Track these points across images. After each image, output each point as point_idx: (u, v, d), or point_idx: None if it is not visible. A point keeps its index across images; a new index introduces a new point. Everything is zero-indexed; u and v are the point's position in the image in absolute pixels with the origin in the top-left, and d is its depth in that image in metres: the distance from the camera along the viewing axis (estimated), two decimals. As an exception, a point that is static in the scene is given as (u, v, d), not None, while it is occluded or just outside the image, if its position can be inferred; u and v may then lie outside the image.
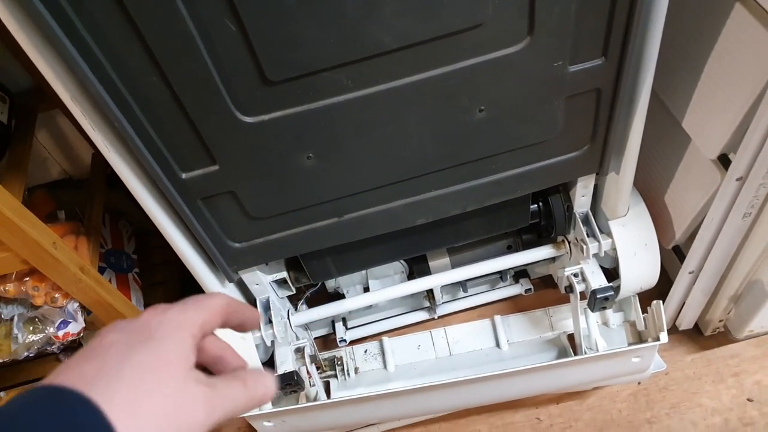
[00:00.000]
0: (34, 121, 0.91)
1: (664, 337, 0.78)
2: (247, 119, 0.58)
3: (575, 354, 0.93)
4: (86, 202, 0.95)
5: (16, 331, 0.86)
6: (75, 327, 0.89)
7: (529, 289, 1.06)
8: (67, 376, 0.23)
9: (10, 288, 0.81)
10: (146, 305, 1.04)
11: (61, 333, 0.88)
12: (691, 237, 0.84)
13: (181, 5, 0.48)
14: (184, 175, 0.63)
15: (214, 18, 0.49)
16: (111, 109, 0.54)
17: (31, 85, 0.93)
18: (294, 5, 0.49)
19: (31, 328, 0.87)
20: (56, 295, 0.83)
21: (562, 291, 0.91)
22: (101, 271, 0.95)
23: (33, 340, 0.89)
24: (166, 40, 0.50)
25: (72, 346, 1.01)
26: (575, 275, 0.87)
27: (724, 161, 0.76)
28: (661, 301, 0.81)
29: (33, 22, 0.47)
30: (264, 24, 0.50)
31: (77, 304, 0.87)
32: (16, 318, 0.88)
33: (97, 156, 1.01)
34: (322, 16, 0.51)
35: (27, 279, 0.81)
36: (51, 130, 1.00)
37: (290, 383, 0.83)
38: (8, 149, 0.86)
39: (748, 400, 0.93)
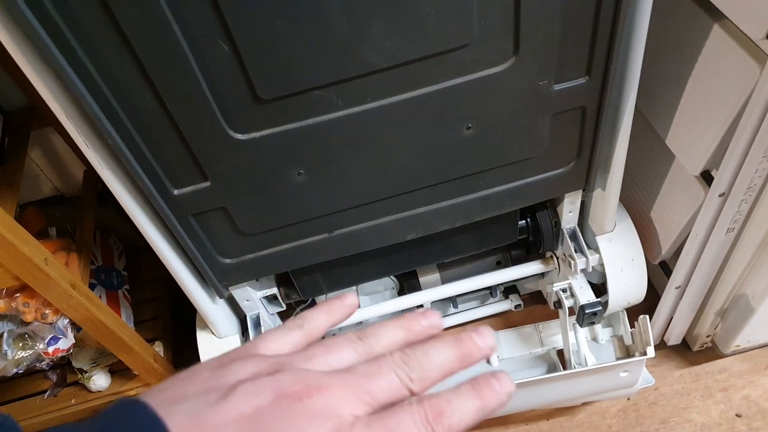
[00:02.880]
0: (27, 139, 0.91)
1: (651, 351, 0.79)
2: (239, 136, 0.59)
3: (564, 369, 0.93)
4: (77, 218, 0.95)
5: (5, 347, 0.86)
6: (65, 343, 0.88)
7: (519, 305, 1.07)
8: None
9: (1, 304, 0.81)
10: (136, 322, 1.04)
11: (50, 349, 0.88)
12: (677, 252, 0.85)
13: (175, 25, 0.49)
14: (176, 192, 0.63)
15: (207, 38, 0.50)
16: (105, 127, 0.54)
17: (24, 103, 0.94)
18: (285, 26, 0.51)
19: (20, 344, 0.87)
20: (46, 312, 0.83)
21: (551, 306, 0.92)
22: (92, 287, 0.95)
23: (22, 357, 0.88)
24: (160, 60, 0.51)
25: (61, 363, 1.01)
26: (564, 290, 0.88)
27: (707, 177, 0.78)
28: (647, 316, 0.82)
29: (30, 42, 0.48)
30: (256, 44, 0.51)
31: (67, 320, 0.86)
32: (5, 334, 0.87)
33: (89, 173, 1.02)
34: (312, 37, 0.52)
35: (17, 295, 0.81)
36: (44, 148, 1.01)
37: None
38: (1, 166, 0.86)
39: (736, 415, 0.94)
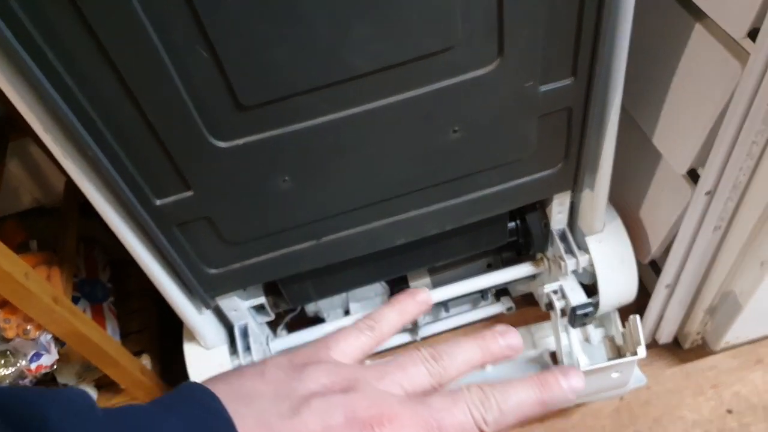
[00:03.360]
0: (5, 150, 0.89)
1: (641, 351, 0.79)
2: (221, 144, 0.58)
3: (557, 371, 0.93)
4: (59, 231, 0.93)
5: (-14, 365, 0.84)
6: (48, 359, 0.86)
7: (511, 307, 1.06)
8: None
9: (-20, 321, 0.79)
10: (122, 335, 1.02)
11: (33, 366, 0.86)
12: (667, 251, 0.85)
13: (152, 32, 0.48)
14: (158, 202, 0.62)
15: (186, 45, 0.49)
16: (83, 138, 0.53)
17: (1, 114, 0.92)
18: (266, 31, 0.50)
19: (2, 361, 0.85)
20: (28, 327, 0.81)
21: (543, 308, 0.92)
22: (75, 301, 0.93)
23: (4, 374, 0.86)
24: (138, 68, 0.50)
25: (44, 380, 0.98)
26: (555, 292, 0.88)
27: (693, 176, 0.78)
28: (637, 316, 0.81)
29: (3, 52, 0.47)
30: (236, 50, 0.50)
31: (50, 335, 0.84)
32: (-14, 352, 0.85)
33: (70, 183, 1.00)
34: (294, 41, 0.51)
35: (-3, 311, 0.79)
36: (22, 158, 0.99)
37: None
38: (-22, 179, 0.84)
39: (727, 411, 0.94)
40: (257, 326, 0.89)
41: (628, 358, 0.78)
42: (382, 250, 0.76)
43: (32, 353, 0.85)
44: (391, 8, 0.51)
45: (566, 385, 0.26)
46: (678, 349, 1.01)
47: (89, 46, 0.48)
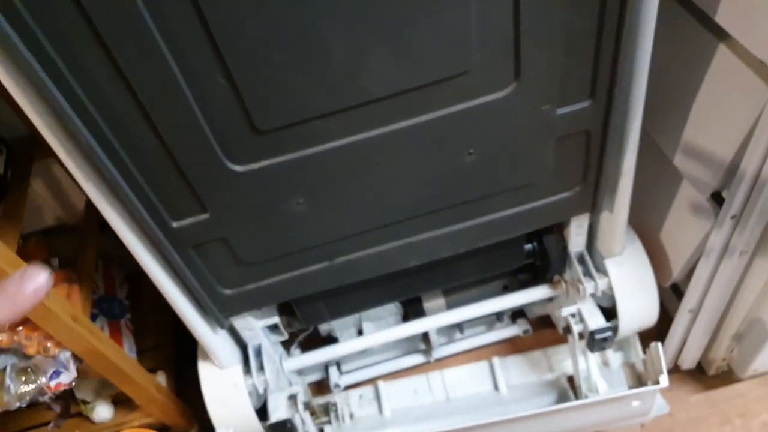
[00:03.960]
0: (29, 170, 0.91)
1: (664, 380, 0.77)
2: (237, 168, 0.58)
3: (576, 396, 0.91)
4: (79, 248, 0.95)
5: (8, 381, 0.85)
6: (67, 377, 0.87)
7: (527, 329, 1.04)
8: None
9: (3, 338, 0.80)
10: (138, 351, 1.03)
11: (53, 383, 0.86)
12: (689, 275, 0.83)
13: (171, 60, 0.49)
14: (175, 224, 0.62)
15: (203, 72, 0.50)
16: (102, 162, 0.54)
17: (26, 134, 0.94)
18: (282, 57, 0.50)
19: (23, 378, 0.86)
20: (48, 345, 0.82)
21: (560, 331, 0.90)
22: (93, 317, 0.94)
23: (25, 391, 0.87)
24: (157, 94, 0.51)
25: (63, 396, 0.99)
26: (573, 315, 0.86)
27: (717, 199, 0.76)
28: (659, 344, 0.79)
29: (27, 77, 0.48)
30: (253, 76, 0.51)
31: (69, 353, 0.85)
32: (8, 368, 0.86)
33: (91, 202, 1.02)
34: (309, 67, 0.51)
35: (20, 329, 0.80)
36: (46, 178, 1.01)
37: (284, 431, 0.81)
38: (4, 199, 0.86)
39: (755, 442, 0.91)
40: (271, 345, 0.89)
41: (650, 387, 0.76)
42: (396, 271, 0.75)
43: (52, 371, 0.86)
44: (407, 33, 0.51)
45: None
46: (702, 376, 0.98)
47: (110, 73, 0.49)
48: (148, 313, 1.09)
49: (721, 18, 0.64)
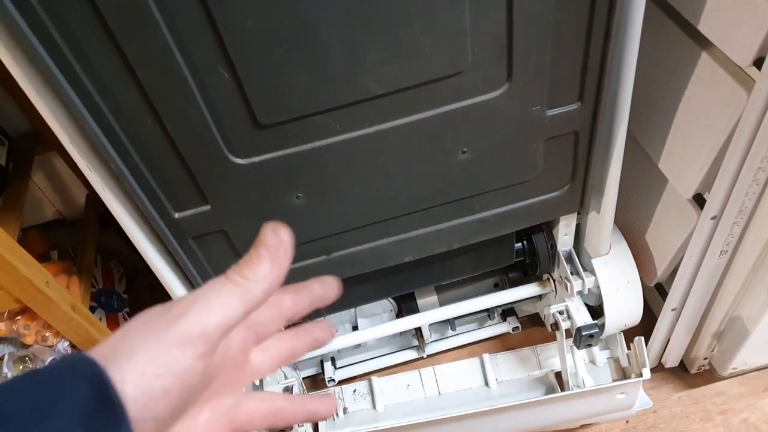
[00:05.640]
0: (30, 164, 0.93)
1: (646, 372, 0.79)
2: (239, 161, 0.60)
3: (562, 392, 0.93)
4: (79, 242, 0.96)
5: (6, 370, 0.86)
6: (63, 367, 0.88)
7: (517, 327, 1.07)
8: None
9: (2, 327, 0.81)
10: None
11: (49, 373, 0.88)
12: (673, 274, 0.86)
13: (177, 53, 0.51)
14: (177, 215, 0.64)
15: (208, 66, 0.52)
16: (108, 152, 0.56)
17: (28, 129, 0.96)
18: (284, 55, 0.52)
19: (21, 367, 0.87)
20: (47, 334, 0.83)
21: (549, 329, 0.92)
22: (92, 310, 0.95)
23: (21, 381, 0.88)
24: (163, 86, 0.53)
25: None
26: (561, 313, 0.89)
27: (699, 200, 0.79)
28: (642, 338, 0.82)
29: (36, 68, 0.50)
30: (256, 71, 0.53)
31: (67, 343, 0.87)
32: (6, 357, 0.87)
33: (91, 197, 1.03)
34: (310, 65, 0.54)
35: (18, 318, 0.82)
36: (47, 172, 1.03)
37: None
38: (5, 191, 0.87)
39: (736, 438, 0.94)
40: (267, 339, 0.90)
41: (633, 380, 0.78)
42: (390, 266, 0.78)
43: (49, 360, 0.87)
44: (404, 34, 0.53)
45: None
46: (685, 374, 1.00)
47: (117, 65, 0.51)
48: (147, 307, 1.11)
49: (704, 27, 0.67)
